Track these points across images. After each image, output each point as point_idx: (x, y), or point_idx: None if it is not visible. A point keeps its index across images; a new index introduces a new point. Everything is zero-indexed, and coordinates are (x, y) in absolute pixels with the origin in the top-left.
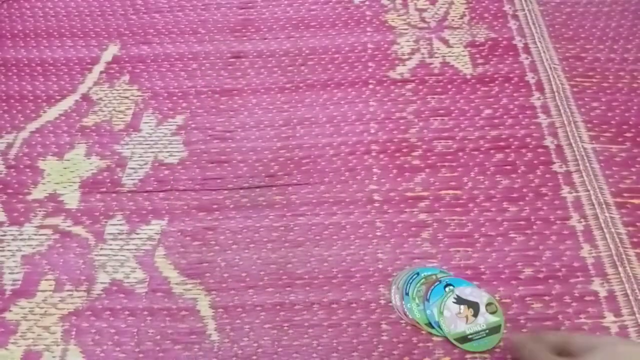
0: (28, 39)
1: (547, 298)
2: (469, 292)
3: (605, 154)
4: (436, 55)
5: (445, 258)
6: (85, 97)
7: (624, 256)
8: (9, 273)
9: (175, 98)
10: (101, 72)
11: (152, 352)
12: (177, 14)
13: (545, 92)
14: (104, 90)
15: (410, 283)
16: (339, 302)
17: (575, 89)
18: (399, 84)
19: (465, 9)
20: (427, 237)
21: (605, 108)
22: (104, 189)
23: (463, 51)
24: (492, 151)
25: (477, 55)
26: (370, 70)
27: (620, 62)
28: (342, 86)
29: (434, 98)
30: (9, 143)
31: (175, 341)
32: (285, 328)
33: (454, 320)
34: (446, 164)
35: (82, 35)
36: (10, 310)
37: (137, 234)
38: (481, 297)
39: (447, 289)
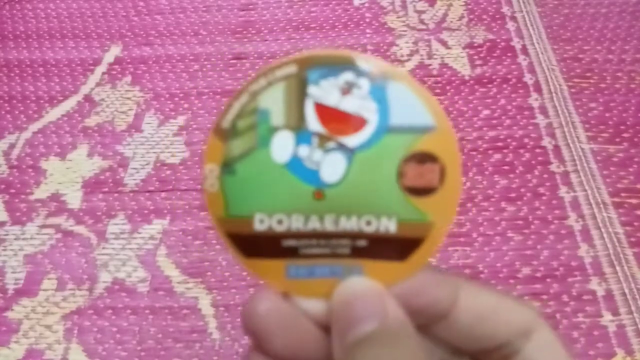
0: (30, 39)
1: (545, 297)
2: None
3: (603, 154)
4: (435, 56)
5: (443, 257)
6: (87, 98)
7: (621, 255)
8: (12, 272)
9: (177, 99)
10: (103, 73)
11: (153, 350)
12: (179, 16)
13: (543, 93)
14: (106, 91)
15: None
16: None
17: (573, 90)
18: None
19: (464, 10)
20: None
21: (603, 109)
22: (106, 189)
23: (461, 52)
24: (490, 151)
25: (476, 57)
26: None
27: (618, 63)
28: None
29: None
30: (11, 143)
31: (177, 339)
32: None
33: None
34: None
35: (84, 37)
36: (12, 309)
37: (139, 233)
38: None
39: None
